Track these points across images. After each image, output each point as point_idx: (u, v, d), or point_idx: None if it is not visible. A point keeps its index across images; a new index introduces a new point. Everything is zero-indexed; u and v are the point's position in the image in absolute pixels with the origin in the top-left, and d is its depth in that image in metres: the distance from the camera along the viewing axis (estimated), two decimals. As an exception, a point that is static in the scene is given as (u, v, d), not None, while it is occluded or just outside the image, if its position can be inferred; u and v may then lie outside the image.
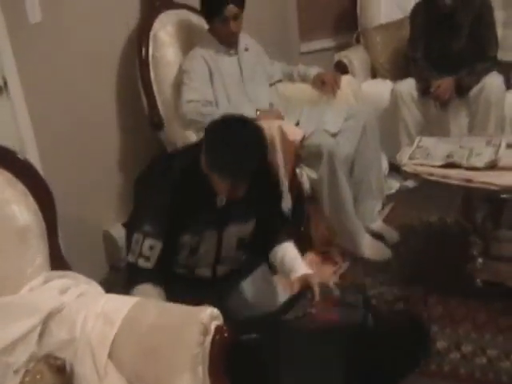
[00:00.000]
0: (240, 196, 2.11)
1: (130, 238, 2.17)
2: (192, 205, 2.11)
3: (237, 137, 2.03)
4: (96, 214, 3.11)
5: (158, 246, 2.09)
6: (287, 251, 2.28)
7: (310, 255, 3.01)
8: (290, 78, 3.46)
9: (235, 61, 3.18)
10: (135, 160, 3.24)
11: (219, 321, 1.62)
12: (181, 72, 3.11)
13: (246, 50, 3.23)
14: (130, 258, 2.13)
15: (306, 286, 2.14)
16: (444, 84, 3.56)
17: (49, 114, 2.72)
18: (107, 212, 3.21)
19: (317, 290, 2.10)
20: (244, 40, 3.23)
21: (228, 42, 3.14)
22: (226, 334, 1.60)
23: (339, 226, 3.03)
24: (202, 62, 3.05)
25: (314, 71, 3.40)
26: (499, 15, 3.82)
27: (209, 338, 1.58)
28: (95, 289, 1.86)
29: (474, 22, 3.61)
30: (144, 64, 3.16)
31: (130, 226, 2.25)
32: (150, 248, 2.08)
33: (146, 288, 2.04)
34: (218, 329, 1.59)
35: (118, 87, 3.21)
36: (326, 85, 3.33)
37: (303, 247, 2.97)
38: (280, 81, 3.46)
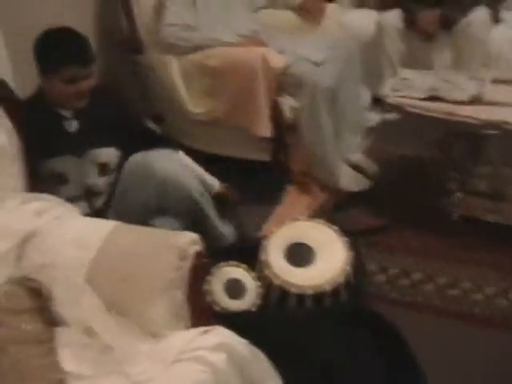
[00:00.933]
0: (84, 91, 2.19)
1: None
2: (44, 136, 2.17)
3: (62, 32, 2.22)
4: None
5: None
6: None
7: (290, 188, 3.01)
8: (273, 4, 3.38)
9: None
10: (114, 84, 3.17)
11: (199, 246, 1.61)
12: None
13: None
14: None
15: None
16: (429, 17, 3.49)
17: (24, 37, 2.62)
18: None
19: None
20: None
21: None
22: (205, 260, 1.59)
23: (318, 157, 3.00)
24: None
25: None
26: None
27: (187, 263, 1.57)
28: (71, 212, 1.83)
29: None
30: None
31: None
32: None
33: None
34: (197, 254, 1.59)
35: (98, 11, 3.11)
36: (310, 13, 3.26)
37: (282, 177, 3.00)
38: (263, 7, 3.37)
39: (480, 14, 3.45)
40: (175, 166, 2.29)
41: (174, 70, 2.97)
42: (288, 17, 3.33)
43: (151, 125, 2.49)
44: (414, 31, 3.57)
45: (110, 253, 1.65)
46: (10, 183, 1.82)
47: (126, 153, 2.35)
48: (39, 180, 2.15)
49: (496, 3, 3.59)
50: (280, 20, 3.35)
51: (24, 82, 2.55)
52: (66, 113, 2.24)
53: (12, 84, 2.36)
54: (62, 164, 2.24)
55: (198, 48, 2.93)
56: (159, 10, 3.02)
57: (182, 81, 2.94)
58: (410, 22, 3.55)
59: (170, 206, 2.30)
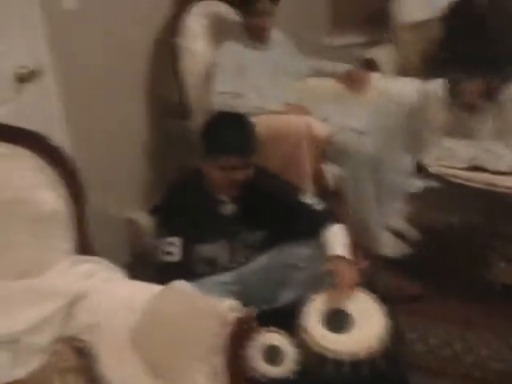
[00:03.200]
0: (241, 181, 2.22)
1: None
2: (202, 217, 2.27)
3: (229, 120, 2.30)
4: (121, 201, 3.15)
5: (177, 240, 2.22)
6: (330, 233, 2.33)
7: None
8: (318, 73, 3.48)
9: (265, 56, 3.19)
10: (162, 148, 3.30)
11: (238, 312, 1.66)
12: (213, 65, 3.14)
13: (278, 45, 3.25)
14: (158, 262, 2.25)
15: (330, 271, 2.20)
16: (472, 87, 3.54)
17: (80, 101, 2.76)
18: (132, 199, 3.26)
19: (339, 278, 2.16)
20: (276, 35, 3.25)
21: (259, 36, 3.16)
22: (244, 326, 1.64)
23: (360, 224, 3.03)
24: (233, 56, 3.08)
25: (343, 68, 3.41)
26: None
27: (226, 330, 1.62)
28: (120, 275, 1.91)
29: (508, 25, 3.58)
30: (176, 54, 3.20)
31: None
32: (169, 244, 2.22)
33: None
34: (236, 321, 1.63)
35: (150, 76, 3.24)
36: (354, 83, 3.35)
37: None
38: (308, 75, 3.47)
39: (523, 84, 3.49)
40: None
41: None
42: (333, 85, 3.41)
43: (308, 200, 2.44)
44: (457, 101, 3.62)
45: (154, 316, 1.71)
46: (63, 246, 1.90)
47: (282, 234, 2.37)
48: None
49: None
50: (325, 89, 3.43)
51: (79, 147, 2.70)
52: (224, 197, 2.32)
53: (68, 150, 2.50)
54: (215, 250, 2.33)
55: (245, 115, 3.03)
56: (209, 78, 3.14)
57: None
58: (454, 92, 3.61)
59: None
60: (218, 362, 1.62)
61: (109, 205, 3.00)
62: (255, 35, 3.16)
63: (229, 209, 2.34)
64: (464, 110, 3.61)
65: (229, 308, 1.64)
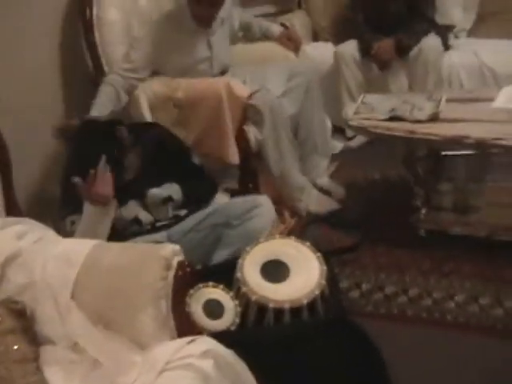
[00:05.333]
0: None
1: None
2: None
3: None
4: (42, 175, 3.06)
5: None
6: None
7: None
8: (247, 28, 3.47)
9: (205, 41, 3.13)
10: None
11: (181, 256, 1.64)
12: (131, 37, 3.09)
13: (222, 23, 3.18)
14: None
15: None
16: (384, 45, 3.65)
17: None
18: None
19: None
20: (223, 11, 3.12)
21: (203, 24, 3.09)
22: (188, 269, 1.63)
23: (285, 183, 3.07)
24: (159, 35, 3.03)
25: (277, 29, 3.48)
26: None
27: (171, 273, 1.60)
28: (52, 234, 1.85)
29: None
30: (88, 25, 3.10)
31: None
32: None
33: None
34: (180, 264, 1.62)
35: (62, 50, 3.14)
36: (291, 41, 3.41)
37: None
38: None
39: (431, 42, 3.64)
40: None
41: (141, 103, 3.00)
42: (251, 50, 3.45)
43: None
44: (370, 60, 3.72)
45: (94, 267, 1.66)
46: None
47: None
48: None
49: (445, 31, 3.77)
50: (243, 52, 3.43)
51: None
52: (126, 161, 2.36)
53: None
54: (129, 211, 2.34)
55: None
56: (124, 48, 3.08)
57: (150, 113, 2.96)
58: (366, 51, 3.70)
59: None
60: (165, 306, 1.60)
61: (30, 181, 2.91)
62: (199, 23, 3.08)
63: (130, 173, 2.39)
64: (377, 68, 3.73)
65: (172, 251, 1.62)
